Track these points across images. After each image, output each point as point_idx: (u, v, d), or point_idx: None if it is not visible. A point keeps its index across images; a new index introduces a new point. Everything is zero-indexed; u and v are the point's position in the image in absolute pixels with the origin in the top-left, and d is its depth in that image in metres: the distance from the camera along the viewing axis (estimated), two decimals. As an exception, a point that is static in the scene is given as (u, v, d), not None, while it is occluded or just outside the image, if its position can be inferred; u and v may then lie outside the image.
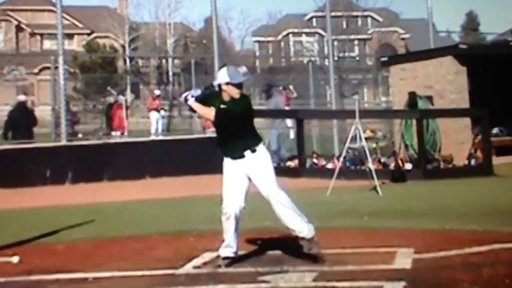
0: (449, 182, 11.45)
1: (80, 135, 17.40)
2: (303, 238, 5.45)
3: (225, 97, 5.49)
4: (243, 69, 5.81)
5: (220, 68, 6.06)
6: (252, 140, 5.56)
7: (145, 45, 42.23)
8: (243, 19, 56.43)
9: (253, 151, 5.50)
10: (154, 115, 19.94)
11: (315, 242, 5.44)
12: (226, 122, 5.49)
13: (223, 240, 5.51)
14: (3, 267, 5.77)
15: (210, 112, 5.51)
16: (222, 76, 5.50)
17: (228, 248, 5.50)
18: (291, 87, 21.06)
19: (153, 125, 19.72)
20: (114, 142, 15.50)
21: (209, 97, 5.58)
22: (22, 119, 14.31)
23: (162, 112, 21.09)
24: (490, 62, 14.16)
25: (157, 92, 22.06)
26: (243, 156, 5.49)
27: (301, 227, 5.42)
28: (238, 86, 5.48)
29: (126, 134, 17.97)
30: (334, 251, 5.77)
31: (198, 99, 5.55)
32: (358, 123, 10.63)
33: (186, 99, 5.57)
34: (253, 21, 57.69)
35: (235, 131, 5.48)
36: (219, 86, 5.52)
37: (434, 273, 5.07)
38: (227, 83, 5.45)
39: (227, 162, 5.59)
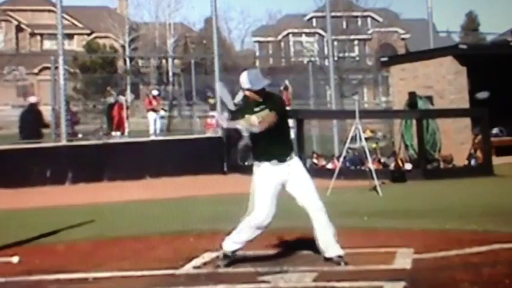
0: (449, 182, 11.46)
1: (80, 136, 17.41)
2: (327, 258, 5.40)
3: (252, 100, 5.34)
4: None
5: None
6: (290, 147, 5.50)
7: (145, 46, 42.25)
8: (243, 19, 56.41)
9: (291, 157, 5.40)
10: (152, 115, 19.84)
11: (335, 262, 5.35)
12: (283, 117, 5.31)
13: (235, 237, 5.37)
14: (3, 267, 5.77)
15: (271, 117, 5.21)
16: (243, 81, 5.34)
17: (237, 245, 5.40)
18: (287, 81, 21.01)
19: (151, 125, 19.64)
20: (114, 142, 15.50)
21: (239, 110, 5.39)
22: (33, 121, 14.35)
23: (162, 112, 21.06)
24: (490, 62, 14.16)
25: (155, 92, 21.94)
26: (285, 161, 5.35)
27: (330, 248, 5.38)
28: (260, 92, 5.30)
29: (126, 134, 17.98)
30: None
31: (232, 117, 5.33)
32: (358, 123, 10.63)
33: (242, 136, 5.30)
34: (253, 21, 57.85)
35: (278, 133, 5.32)
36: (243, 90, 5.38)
37: (434, 274, 5.07)
38: (248, 89, 5.32)
39: (265, 168, 5.32)
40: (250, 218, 5.32)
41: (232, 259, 5.47)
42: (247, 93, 5.34)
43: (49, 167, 12.71)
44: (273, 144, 5.31)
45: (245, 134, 5.28)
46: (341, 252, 5.37)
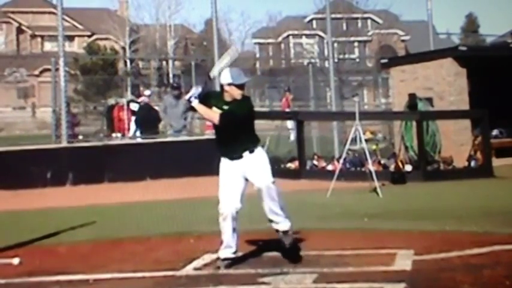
0: (449, 184, 11.46)
1: (80, 137, 17.40)
2: (277, 230, 5.57)
3: (227, 97, 5.53)
4: (237, 49, 5.95)
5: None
6: (251, 143, 5.60)
7: (145, 47, 42.33)
8: (243, 21, 56.50)
9: (252, 151, 5.55)
10: None
11: (289, 236, 5.55)
12: (228, 124, 5.51)
13: (221, 242, 5.53)
14: (4, 268, 5.78)
15: (214, 115, 5.53)
16: (224, 77, 5.54)
17: (228, 249, 5.51)
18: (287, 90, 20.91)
19: None
20: (115, 144, 15.49)
21: (210, 96, 5.62)
22: (149, 117, 15.92)
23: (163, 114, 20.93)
24: (489, 64, 14.16)
25: (147, 92, 21.68)
26: (241, 156, 5.54)
27: (278, 220, 5.53)
28: (241, 86, 5.52)
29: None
30: (334, 252, 5.79)
31: (200, 98, 5.56)
32: (358, 124, 10.64)
33: (189, 101, 5.59)
34: (253, 23, 57.85)
35: (236, 133, 5.51)
36: (221, 86, 5.56)
37: (434, 275, 5.08)
38: (229, 84, 5.50)
39: (224, 162, 5.63)
40: None
41: (233, 260, 5.50)
42: (227, 88, 5.50)
43: (50, 168, 12.71)
44: (229, 143, 5.54)
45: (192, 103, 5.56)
46: (286, 227, 5.53)
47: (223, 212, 5.51)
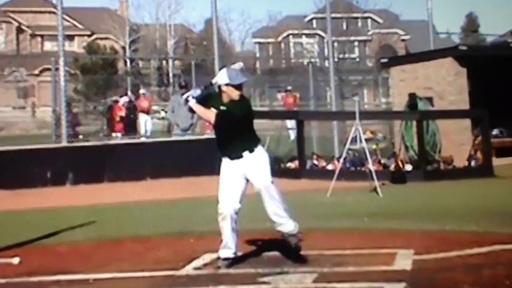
0: (449, 183, 11.46)
1: (80, 137, 17.41)
2: (281, 231, 5.50)
3: (225, 98, 5.52)
4: (240, 64, 5.78)
5: (220, 68, 6.07)
6: (250, 143, 5.59)
7: (145, 47, 42.32)
8: (243, 20, 56.61)
9: (251, 151, 5.54)
10: (143, 117, 19.26)
11: (295, 237, 5.45)
12: (226, 124, 5.50)
13: (221, 241, 5.53)
14: (4, 268, 5.78)
15: (210, 115, 5.54)
16: (221, 77, 5.52)
17: (227, 249, 5.51)
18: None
19: (142, 127, 19.30)
20: (115, 143, 15.50)
21: (209, 98, 5.60)
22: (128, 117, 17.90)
23: (162, 113, 20.93)
24: (490, 64, 14.17)
25: (141, 91, 21.50)
26: (241, 156, 5.53)
27: (282, 221, 5.47)
28: (238, 87, 5.49)
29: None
30: (334, 252, 5.78)
31: (198, 100, 5.57)
32: (358, 124, 10.63)
33: (187, 101, 5.59)
34: (253, 22, 58.06)
35: (235, 133, 5.50)
36: (219, 87, 5.54)
37: (434, 275, 5.08)
38: (227, 84, 5.47)
39: (225, 162, 5.62)
40: None
41: (233, 260, 5.49)
42: (224, 88, 5.48)
43: (50, 168, 12.71)
44: (228, 143, 5.54)
45: (189, 103, 5.56)
46: (292, 229, 5.43)
47: (222, 212, 5.50)
